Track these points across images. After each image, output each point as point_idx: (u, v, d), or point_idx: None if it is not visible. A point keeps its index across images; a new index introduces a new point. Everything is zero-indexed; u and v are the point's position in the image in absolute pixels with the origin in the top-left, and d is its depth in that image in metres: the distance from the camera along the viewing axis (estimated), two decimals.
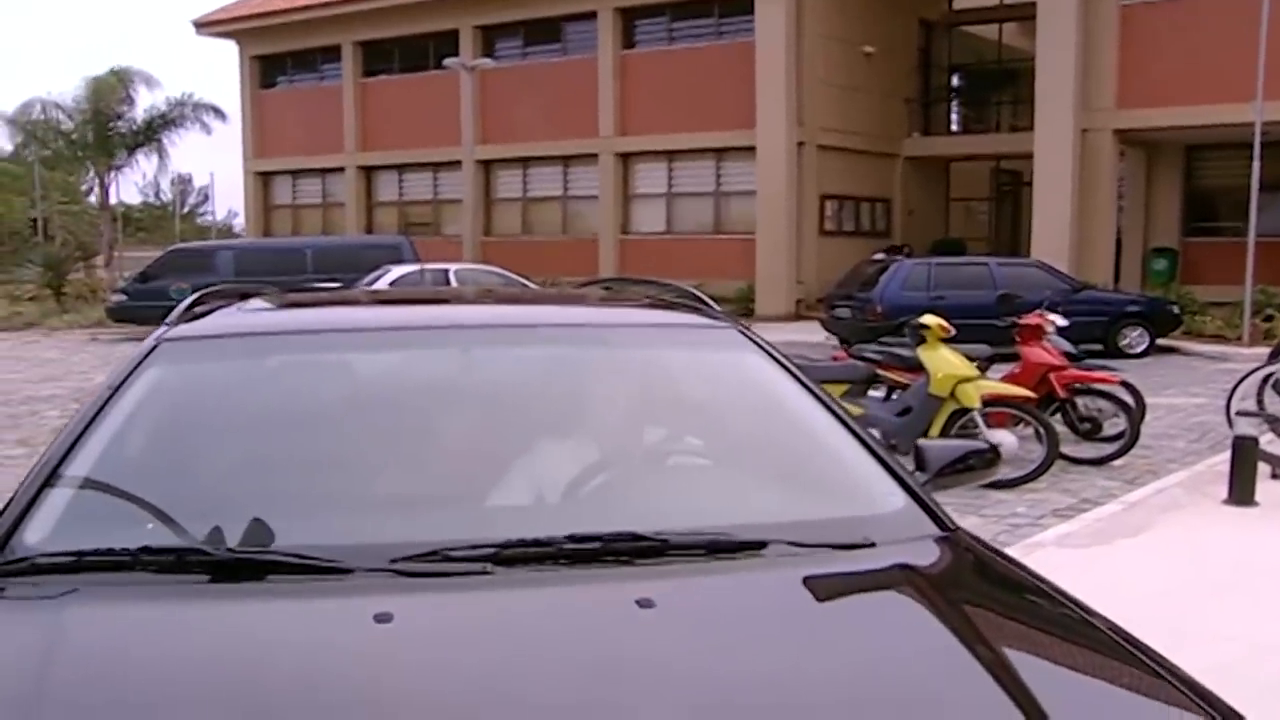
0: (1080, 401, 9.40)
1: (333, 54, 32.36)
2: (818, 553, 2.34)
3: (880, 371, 9.33)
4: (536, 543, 2.27)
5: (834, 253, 24.99)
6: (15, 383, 15.34)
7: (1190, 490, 7.62)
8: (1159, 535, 6.39)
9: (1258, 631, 4.76)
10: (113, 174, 32.33)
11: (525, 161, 29.84)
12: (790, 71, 24.85)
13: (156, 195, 78.98)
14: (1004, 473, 8.39)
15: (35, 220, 36.07)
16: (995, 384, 8.62)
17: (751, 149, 25.44)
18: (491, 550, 2.22)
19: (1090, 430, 9.30)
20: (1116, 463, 9.04)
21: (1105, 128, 22.33)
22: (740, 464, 2.89)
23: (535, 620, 2.08)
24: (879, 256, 22.65)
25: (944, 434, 8.39)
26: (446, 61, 26.37)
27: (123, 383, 2.81)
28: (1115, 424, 9.28)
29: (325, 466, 2.68)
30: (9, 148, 36.24)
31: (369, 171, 32.57)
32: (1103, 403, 9.39)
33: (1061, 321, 10.38)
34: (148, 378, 2.84)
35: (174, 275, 22.73)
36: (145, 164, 32.64)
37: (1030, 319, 9.63)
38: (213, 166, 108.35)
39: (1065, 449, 9.08)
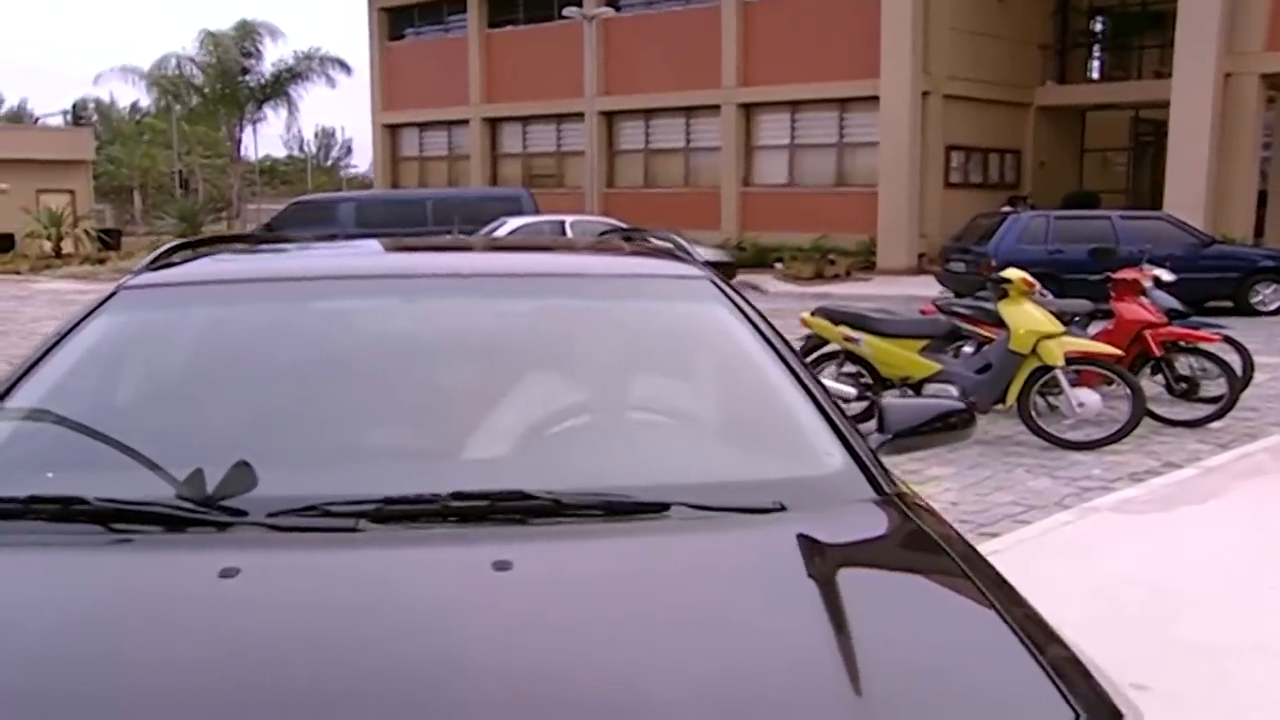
0: (1181, 360, 8.97)
1: (459, 5, 32.58)
2: (721, 517, 2.22)
3: (968, 326, 9.02)
4: (419, 499, 2.21)
5: (959, 205, 24.27)
6: None
7: (1279, 456, 7.19)
8: (1227, 502, 6.04)
9: None
10: (243, 127, 33.20)
11: (648, 113, 29.68)
12: (917, 17, 24.12)
13: (300, 148, 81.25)
14: (1087, 433, 8.07)
15: (178, 173, 37.22)
16: (1080, 341, 8.24)
17: (876, 99, 24.83)
18: (373, 506, 2.17)
19: (1187, 391, 8.86)
20: (1214, 425, 8.60)
21: (1252, 72, 21.20)
22: (678, 421, 2.77)
23: (378, 580, 2.01)
24: (1006, 209, 21.95)
25: (1024, 392, 8.09)
26: (567, 11, 26.31)
27: (71, 329, 2.82)
28: (1217, 385, 8.82)
29: (246, 417, 2.65)
30: (148, 103, 37.41)
31: (494, 123, 32.80)
32: (1207, 363, 8.93)
33: (1167, 276, 9.91)
34: (98, 325, 2.85)
35: (297, 227, 23.26)
36: (274, 117, 33.40)
37: (1126, 273, 9.19)
38: (337, 120, 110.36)
39: (1160, 410, 8.70)
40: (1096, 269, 10.27)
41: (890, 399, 2.86)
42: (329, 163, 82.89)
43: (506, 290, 3.10)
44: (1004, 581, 2.22)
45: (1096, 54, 30.84)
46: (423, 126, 34.51)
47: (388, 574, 2.04)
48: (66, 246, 31.27)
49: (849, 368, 8.78)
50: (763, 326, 2.93)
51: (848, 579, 2.03)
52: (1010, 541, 5.43)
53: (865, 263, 24.59)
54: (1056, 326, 8.12)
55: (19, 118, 68.62)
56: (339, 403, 2.67)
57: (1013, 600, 2.10)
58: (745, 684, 1.71)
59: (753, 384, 2.80)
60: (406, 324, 2.95)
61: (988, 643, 1.88)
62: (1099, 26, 30.87)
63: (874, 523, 2.34)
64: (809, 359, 9.04)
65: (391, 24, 34.49)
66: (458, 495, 2.20)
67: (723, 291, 3.07)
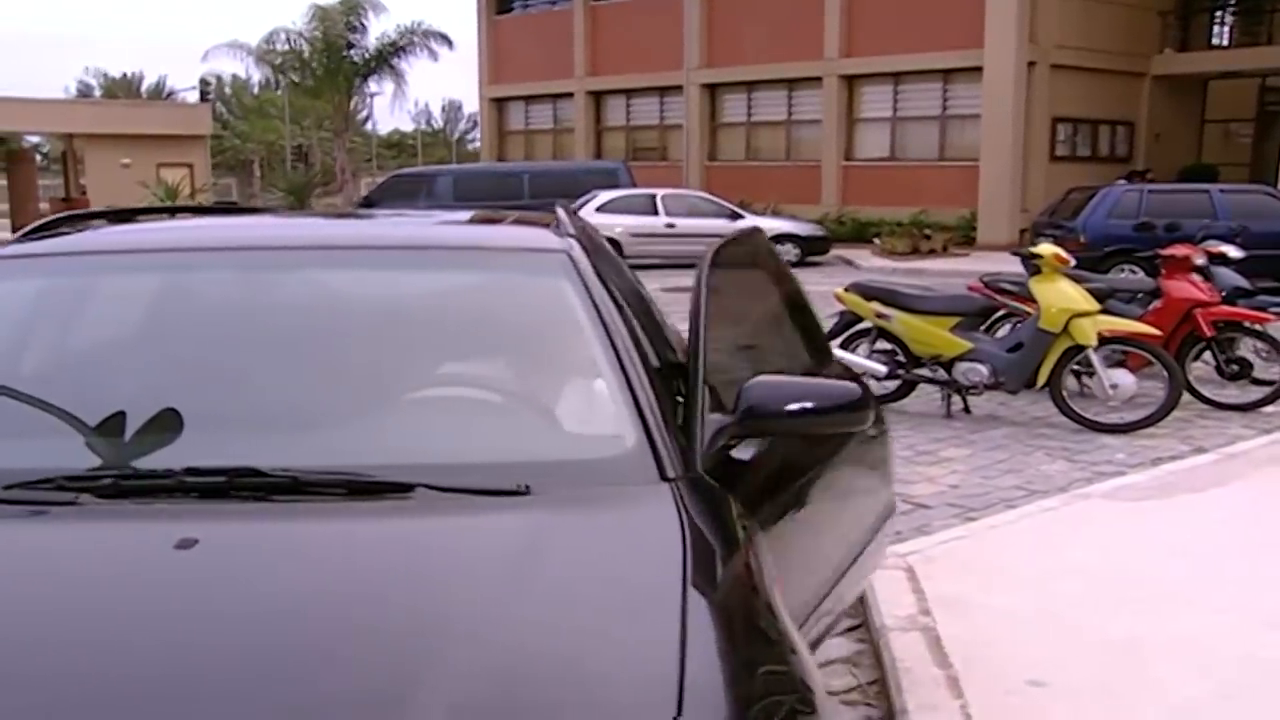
0: (1245, 342, 8.56)
1: None
2: (463, 499, 2.19)
3: (1012, 303, 8.72)
4: (152, 474, 2.24)
5: (1065, 179, 23.37)
6: None
7: None
8: (1230, 491, 5.72)
9: (1260, 604, 4.19)
10: (351, 100, 33.78)
11: (750, 85, 29.37)
12: None
13: (428, 122, 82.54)
14: (1121, 416, 7.75)
15: (298, 146, 38.07)
16: (1115, 320, 7.90)
17: (980, 70, 24.16)
18: (108, 481, 2.20)
19: (1238, 373, 8.45)
20: (1267, 409, 8.19)
21: None
22: (466, 399, 2.71)
23: (56, 557, 2.04)
24: (1120, 182, 21.22)
25: (1055, 372, 7.80)
26: None
27: None
28: (1271, 367, 8.41)
29: (48, 387, 2.70)
30: (257, 78, 38.27)
31: (598, 96, 32.80)
32: (1267, 344, 8.51)
33: (1234, 253, 9.48)
34: None
35: (395, 199, 23.57)
36: (387, 90, 33.80)
37: (1175, 250, 8.79)
38: (458, 94, 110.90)
39: (1210, 392, 8.33)
40: (1148, 245, 9.82)
41: (760, 378, 2.70)
42: (455, 136, 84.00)
43: (342, 262, 3.08)
44: (743, 582, 2.12)
45: (1222, 19, 29.43)
46: (528, 100, 34.70)
47: (70, 551, 2.05)
48: None
49: (882, 345, 8.57)
50: (604, 305, 2.81)
51: (541, 565, 1.97)
52: (979, 528, 5.24)
53: (965, 238, 24.01)
54: (1091, 304, 7.80)
55: (158, 93, 71.12)
56: (130, 376, 2.71)
57: (737, 602, 2.01)
58: (342, 674, 1.66)
59: (563, 362, 2.75)
60: (233, 298, 2.96)
61: (637, 640, 1.80)
62: None
63: (621, 509, 2.27)
64: (842, 336, 8.84)
65: None
66: (191, 471, 2.20)
67: (576, 266, 2.98)
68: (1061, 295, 7.81)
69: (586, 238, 3.38)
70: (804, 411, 2.57)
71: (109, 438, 2.44)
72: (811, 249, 21.90)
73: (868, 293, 8.54)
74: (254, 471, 2.19)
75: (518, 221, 3.67)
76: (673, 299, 16.97)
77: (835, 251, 22.54)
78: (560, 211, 3.65)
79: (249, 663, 1.67)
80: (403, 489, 2.19)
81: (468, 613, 1.79)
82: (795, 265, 21.39)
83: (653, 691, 1.64)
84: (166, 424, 2.50)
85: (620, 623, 1.84)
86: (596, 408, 2.56)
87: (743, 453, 2.67)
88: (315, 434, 2.48)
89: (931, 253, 22.45)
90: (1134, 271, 14.96)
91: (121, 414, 2.50)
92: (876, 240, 23.64)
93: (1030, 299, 8.49)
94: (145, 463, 2.31)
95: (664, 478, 2.32)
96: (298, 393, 2.61)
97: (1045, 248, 8.03)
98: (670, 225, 21.41)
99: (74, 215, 3.57)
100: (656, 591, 1.93)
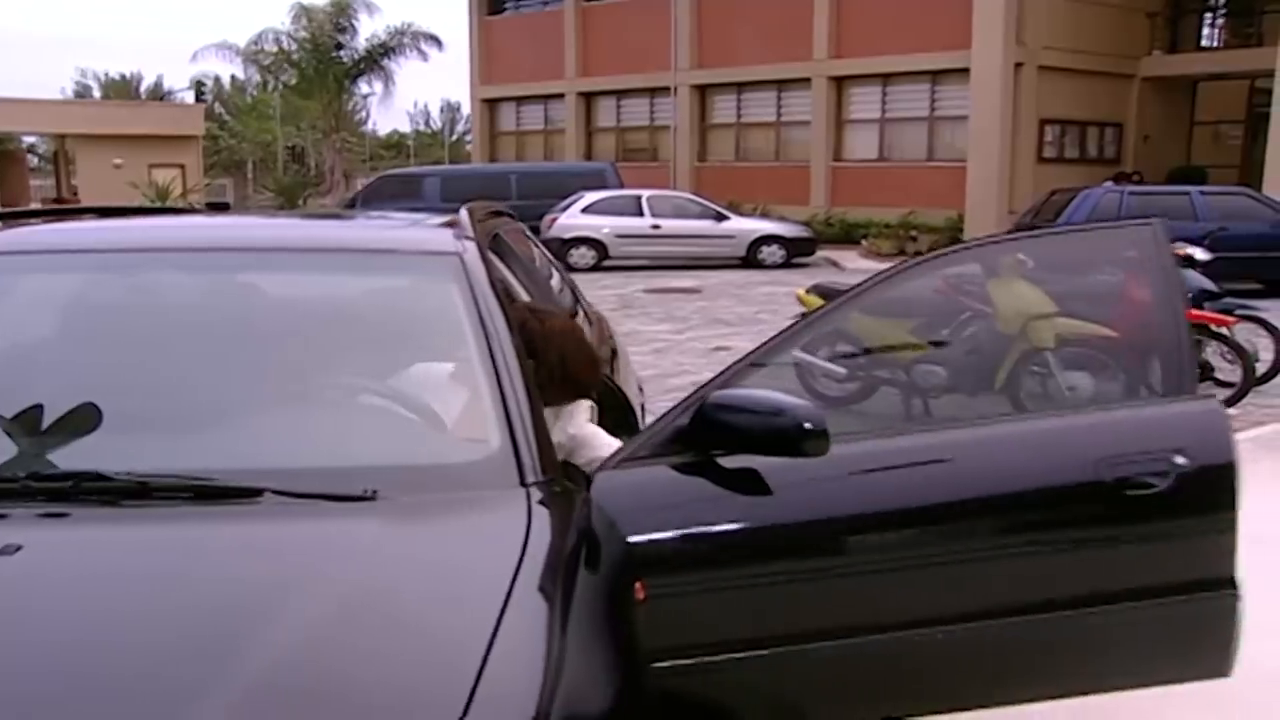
0: (1204, 344, 8.56)
1: None
2: (309, 504, 2.18)
3: (978, 305, 8.71)
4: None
5: (1053, 181, 23.35)
6: None
7: (1266, 447, 6.77)
8: None
9: None
10: (344, 102, 33.80)
11: (739, 86, 29.40)
12: None
13: (426, 123, 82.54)
14: None
15: (292, 147, 38.10)
16: (1073, 322, 7.88)
17: (968, 71, 24.18)
18: None
19: (1200, 375, 8.42)
20: (1230, 412, 8.13)
21: None
22: (330, 402, 2.70)
23: None
24: (1107, 183, 21.23)
25: (1013, 374, 7.78)
26: None
27: None
28: (1235, 370, 8.41)
29: None
30: (254, 79, 38.26)
31: (588, 97, 32.84)
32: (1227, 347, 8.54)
33: (1201, 255, 9.50)
34: None
35: (384, 200, 23.59)
36: (369, 91, 33.78)
37: None
38: (437, 94, 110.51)
39: None
40: None
41: (721, 392, 2.62)
42: (453, 137, 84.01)
43: (230, 266, 3.08)
44: (577, 590, 2.10)
45: (1212, 21, 29.38)
46: (519, 101, 34.75)
47: None
48: None
49: (843, 346, 8.56)
50: (488, 308, 2.78)
51: (366, 569, 1.98)
52: None
53: (952, 239, 23.97)
54: (1048, 306, 7.78)
55: (156, 94, 71.15)
56: (28, 376, 2.70)
57: (564, 610, 1.99)
58: (126, 677, 1.66)
59: (437, 366, 2.74)
60: (110, 301, 2.98)
61: (444, 643, 1.81)
62: None
63: (467, 514, 2.27)
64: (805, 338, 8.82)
65: None
66: (34, 476, 2.20)
67: (466, 269, 2.96)
68: (1018, 297, 7.78)
69: (489, 240, 3.37)
70: (733, 427, 2.53)
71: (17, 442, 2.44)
72: (798, 250, 21.89)
73: (829, 294, 8.54)
74: (99, 476, 2.19)
75: (430, 224, 3.66)
76: (655, 300, 17.03)
77: (822, 253, 22.53)
78: (463, 213, 3.64)
79: (30, 664, 1.66)
80: (250, 494, 2.19)
81: (278, 613, 1.79)
82: (781, 267, 21.38)
83: (443, 691, 1.64)
84: (20, 428, 2.49)
85: (432, 626, 1.85)
86: (465, 412, 2.57)
87: (754, 462, 2.57)
88: (172, 437, 2.47)
89: (918, 254, 22.40)
90: None
91: None
92: (863, 241, 23.65)
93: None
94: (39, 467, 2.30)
95: (523, 483, 2.32)
96: (160, 396, 2.60)
97: None
98: (655, 226, 21.42)
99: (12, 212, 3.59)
100: (479, 596, 1.93)
